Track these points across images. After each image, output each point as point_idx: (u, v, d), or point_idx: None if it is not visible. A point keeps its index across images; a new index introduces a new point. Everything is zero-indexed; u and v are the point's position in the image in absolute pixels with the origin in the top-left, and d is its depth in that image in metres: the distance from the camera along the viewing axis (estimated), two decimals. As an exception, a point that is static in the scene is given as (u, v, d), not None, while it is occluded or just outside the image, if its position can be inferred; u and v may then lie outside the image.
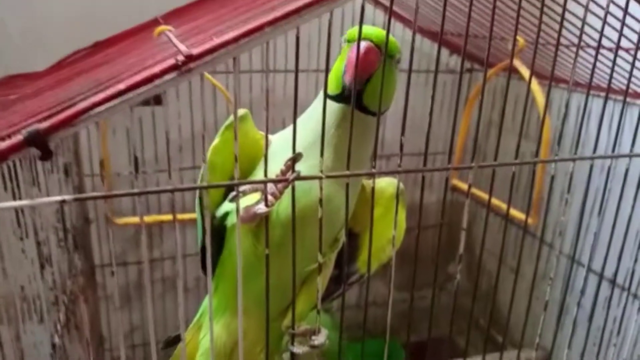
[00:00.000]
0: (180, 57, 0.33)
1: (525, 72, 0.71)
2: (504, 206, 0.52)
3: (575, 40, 0.51)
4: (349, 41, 0.50)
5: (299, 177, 0.41)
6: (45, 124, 0.31)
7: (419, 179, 1.23)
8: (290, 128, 0.47)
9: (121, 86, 0.32)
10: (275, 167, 0.44)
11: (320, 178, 0.39)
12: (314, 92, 1.00)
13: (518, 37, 0.73)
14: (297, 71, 0.38)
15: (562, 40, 0.65)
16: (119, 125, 0.91)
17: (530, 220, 0.72)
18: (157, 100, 1.00)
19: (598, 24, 0.49)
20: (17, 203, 0.32)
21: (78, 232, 0.80)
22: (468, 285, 1.37)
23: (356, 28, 0.47)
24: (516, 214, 0.73)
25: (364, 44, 0.46)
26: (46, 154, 0.31)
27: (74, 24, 0.89)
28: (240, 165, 0.41)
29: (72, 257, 0.72)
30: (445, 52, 1.12)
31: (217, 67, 0.36)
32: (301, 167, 0.42)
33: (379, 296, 1.35)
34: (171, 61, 0.33)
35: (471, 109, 0.89)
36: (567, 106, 0.48)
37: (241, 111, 0.55)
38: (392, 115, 0.60)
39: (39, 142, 0.31)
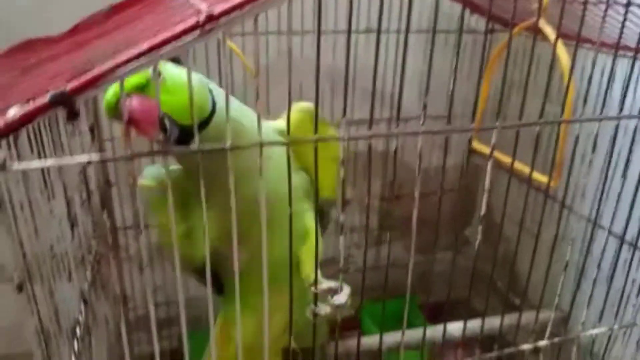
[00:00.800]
0: (202, 17, 0.33)
1: (550, 31, 0.69)
2: (524, 169, 0.51)
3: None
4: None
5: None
6: (71, 85, 0.31)
7: (438, 142, 1.22)
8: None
9: (144, 46, 0.32)
10: None
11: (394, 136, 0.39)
12: (331, 55, 0.99)
13: (543, -5, 0.71)
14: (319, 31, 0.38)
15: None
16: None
17: (552, 183, 0.71)
18: (175, 61, 1.00)
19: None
20: (45, 163, 0.33)
21: (101, 194, 0.82)
22: (485, 249, 1.37)
23: None
24: (538, 176, 0.72)
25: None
26: (72, 115, 0.32)
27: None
28: None
29: (96, 218, 0.73)
30: (463, 11, 1.10)
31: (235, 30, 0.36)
32: None
33: (396, 258, 1.36)
34: (192, 21, 0.33)
35: (492, 71, 0.88)
36: (593, 66, 0.47)
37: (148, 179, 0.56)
38: (409, 77, 0.60)
39: (66, 102, 0.31)
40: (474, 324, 0.93)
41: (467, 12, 1.11)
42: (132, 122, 0.40)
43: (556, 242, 0.56)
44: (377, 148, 1.18)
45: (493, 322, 0.72)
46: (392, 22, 1.02)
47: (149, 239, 1.09)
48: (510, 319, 0.75)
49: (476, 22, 1.12)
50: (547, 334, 0.57)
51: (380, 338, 0.59)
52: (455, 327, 0.91)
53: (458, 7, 1.08)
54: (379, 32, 0.48)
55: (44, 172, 0.46)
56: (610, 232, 0.77)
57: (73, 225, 0.51)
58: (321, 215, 0.58)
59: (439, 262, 1.40)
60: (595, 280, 0.59)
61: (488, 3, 0.65)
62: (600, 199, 0.59)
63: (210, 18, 0.32)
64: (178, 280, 0.40)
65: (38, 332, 0.38)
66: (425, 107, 0.41)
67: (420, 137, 0.42)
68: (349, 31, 0.43)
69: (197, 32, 0.33)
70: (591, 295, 0.58)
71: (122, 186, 0.99)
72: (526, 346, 0.56)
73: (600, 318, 0.63)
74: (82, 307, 0.61)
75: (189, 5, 0.42)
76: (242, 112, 0.57)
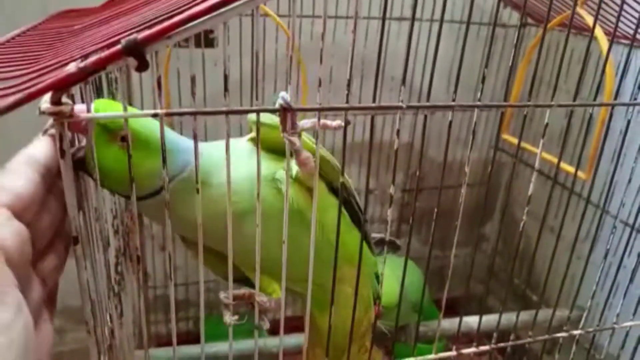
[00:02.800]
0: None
1: (591, 21, 0.68)
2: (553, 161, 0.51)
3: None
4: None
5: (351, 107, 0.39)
6: (142, 34, 0.31)
7: (462, 137, 1.22)
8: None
9: (208, 4, 0.31)
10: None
11: (399, 108, 0.39)
12: (362, 41, 0.99)
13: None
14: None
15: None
16: (171, 68, 0.92)
17: (583, 176, 0.71)
18: (209, 42, 1.00)
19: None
20: (115, 114, 0.32)
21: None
22: (502, 245, 1.37)
23: None
24: (567, 167, 0.71)
25: None
26: (143, 64, 0.32)
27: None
28: None
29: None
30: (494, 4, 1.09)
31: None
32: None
33: (413, 251, 1.36)
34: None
35: (525, 65, 0.87)
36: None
37: None
38: (439, 68, 0.59)
39: (137, 51, 0.31)
40: (489, 319, 0.93)
41: (501, 5, 1.11)
42: None
43: (576, 240, 0.55)
44: (401, 139, 1.18)
45: (509, 318, 0.71)
46: (426, 11, 1.01)
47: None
48: (525, 315, 0.75)
49: (509, 16, 1.11)
50: (581, 324, 0.57)
51: (396, 327, 0.58)
52: (471, 321, 0.91)
53: (489, 1, 1.08)
54: (413, 20, 0.47)
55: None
56: (633, 227, 0.76)
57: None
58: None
59: (456, 258, 1.39)
60: (614, 280, 0.58)
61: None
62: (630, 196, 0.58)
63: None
64: (201, 265, 0.40)
65: (89, 286, 0.38)
66: (457, 80, 0.40)
67: (451, 113, 0.40)
68: (384, 18, 0.43)
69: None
70: (627, 290, 0.57)
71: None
72: (560, 334, 0.55)
73: (617, 317, 0.62)
74: (116, 275, 0.61)
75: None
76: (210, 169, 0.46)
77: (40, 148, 0.36)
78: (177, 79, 0.92)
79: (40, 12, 0.78)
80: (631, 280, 0.57)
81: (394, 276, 0.76)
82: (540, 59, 0.45)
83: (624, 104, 0.46)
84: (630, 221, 0.65)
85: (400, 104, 0.38)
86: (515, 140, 0.85)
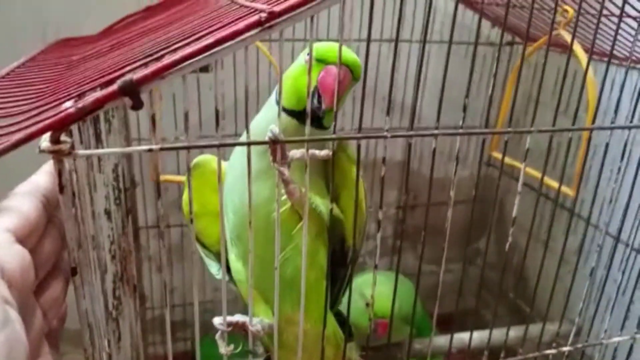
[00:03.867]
0: (264, 14, 0.34)
1: (570, 41, 0.70)
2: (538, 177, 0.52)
3: (616, 11, 0.51)
4: (319, 60, 0.48)
5: (361, 137, 0.41)
6: (138, 75, 0.33)
7: (454, 154, 1.23)
8: (236, 155, 0.50)
9: (210, 40, 0.33)
10: (236, 197, 0.45)
11: (385, 137, 0.40)
12: (362, 62, 1.01)
13: (567, 7, 0.73)
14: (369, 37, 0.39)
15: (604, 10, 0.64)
16: (164, 92, 0.93)
17: (570, 192, 0.72)
18: (204, 67, 1.02)
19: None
20: (110, 150, 0.34)
21: (128, 193, 0.83)
22: (497, 260, 1.38)
23: (326, 47, 0.47)
24: (552, 183, 0.73)
25: (340, 71, 0.45)
26: (137, 104, 0.33)
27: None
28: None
29: (124, 215, 0.74)
30: (486, 24, 1.12)
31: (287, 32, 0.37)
32: (257, 189, 0.43)
33: (407, 268, 1.37)
34: (255, 18, 0.34)
35: (513, 83, 0.89)
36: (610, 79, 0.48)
37: (196, 160, 0.56)
38: (430, 88, 0.61)
39: (132, 91, 0.33)
40: (482, 335, 0.94)
41: (489, 24, 1.13)
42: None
43: (563, 252, 0.57)
44: (395, 157, 1.20)
45: (502, 333, 0.72)
46: (416, 32, 1.04)
47: (170, 239, 1.11)
48: (518, 330, 0.76)
49: (497, 35, 1.14)
50: (569, 341, 0.58)
51: (388, 342, 0.59)
52: (462, 337, 0.92)
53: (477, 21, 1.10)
54: (397, 40, 0.49)
55: (88, 163, 0.47)
56: (628, 245, 0.78)
57: (127, 213, 0.53)
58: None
59: (450, 273, 1.40)
60: (616, 297, 0.59)
61: (504, 15, 0.66)
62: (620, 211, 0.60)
63: (273, 15, 0.34)
64: (195, 281, 0.42)
65: (88, 314, 0.39)
66: (440, 104, 0.42)
67: (435, 140, 0.42)
68: (369, 39, 0.44)
69: (257, 29, 0.34)
70: (614, 305, 0.58)
71: (145, 186, 1.01)
72: (549, 351, 0.56)
73: (622, 327, 0.63)
74: (113, 300, 0.62)
75: (240, 5, 0.43)
76: None
77: (42, 179, 0.38)
78: (172, 103, 0.94)
79: (40, 40, 0.80)
80: (617, 294, 0.58)
81: (387, 291, 0.78)
82: (528, 77, 0.46)
83: (602, 128, 0.48)
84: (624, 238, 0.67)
85: (385, 133, 0.39)
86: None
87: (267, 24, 0.34)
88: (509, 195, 1.27)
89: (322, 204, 0.47)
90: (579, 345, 0.56)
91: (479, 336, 0.89)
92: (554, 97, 1.01)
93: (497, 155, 0.89)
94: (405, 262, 1.32)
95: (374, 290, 0.51)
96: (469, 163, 1.25)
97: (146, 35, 0.57)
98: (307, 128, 0.37)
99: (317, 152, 0.43)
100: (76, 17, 0.94)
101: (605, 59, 0.76)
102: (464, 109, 0.42)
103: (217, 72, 0.38)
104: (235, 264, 0.52)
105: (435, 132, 0.41)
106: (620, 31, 0.65)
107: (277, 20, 0.34)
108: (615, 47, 0.74)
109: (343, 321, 0.58)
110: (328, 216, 0.46)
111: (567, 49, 0.73)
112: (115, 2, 0.85)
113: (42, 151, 0.33)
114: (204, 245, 0.58)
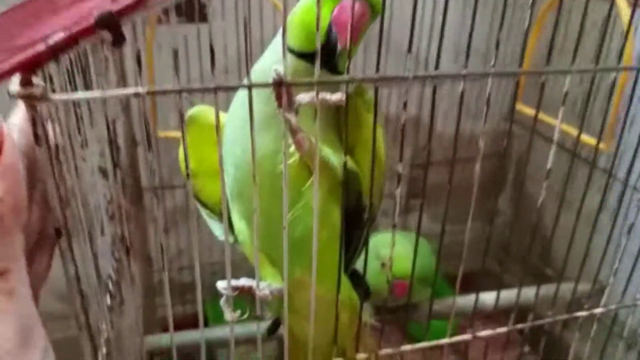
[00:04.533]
0: None
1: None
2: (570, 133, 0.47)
3: None
4: None
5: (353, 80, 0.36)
6: (117, 5, 0.28)
7: (471, 108, 1.17)
8: (237, 103, 0.45)
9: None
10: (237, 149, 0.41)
11: (406, 79, 0.35)
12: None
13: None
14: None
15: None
16: (164, 44, 0.88)
17: (603, 146, 0.67)
18: (203, 17, 0.96)
19: None
20: (91, 94, 0.29)
21: (128, 151, 0.79)
22: (516, 219, 1.34)
23: None
24: (587, 139, 0.68)
25: (358, 5, 0.40)
26: (119, 39, 0.28)
27: None
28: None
29: (124, 174, 0.71)
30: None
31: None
32: (261, 139, 0.39)
33: (423, 227, 1.33)
34: None
35: (538, 31, 0.83)
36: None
37: (192, 111, 0.51)
38: (446, 39, 0.55)
39: (112, 24, 0.28)
40: (507, 294, 0.91)
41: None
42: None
43: (598, 214, 0.52)
44: (409, 113, 1.14)
45: (527, 294, 0.68)
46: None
47: (175, 200, 1.07)
48: (544, 290, 0.72)
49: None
50: (603, 301, 0.54)
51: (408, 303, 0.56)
52: (486, 298, 0.88)
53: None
54: None
55: (76, 113, 0.43)
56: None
57: (116, 169, 0.49)
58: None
59: (469, 233, 1.36)
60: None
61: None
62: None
63: None
64: (195, 244, 0.38)
65: (74, 281, 0.35)
66: (469, 48, 0.37)
67: (490, 79, 0.37)
68: None
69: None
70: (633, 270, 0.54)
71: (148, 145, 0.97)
72: (580, 313, 0.53)
73: None
74: (114, 263, 0.58)
75: None
76: None
77: (20, 131, 0.33)
78: (171, 57, 0.89)
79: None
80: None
81: (404, 252, 0.74)
82: (551, 23, 0.41)
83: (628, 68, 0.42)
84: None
85: (406, 74, 0.34)
86: (529, 111, 0.81)
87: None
88: (530, 149, 1.22)
89: (334, 156, 0.43)
90: (612, 307, 0.53)
91: (502, 297, 0.86)
92: (583, 45, 0.95)
93: (522, 107, 0.84)
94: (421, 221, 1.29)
95: (392, 250, 0.47)
96: (489, 117, 1.19)
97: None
98: (317, 68, 0.32)
99: (328, 95, 0.38)
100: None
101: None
102: (497, 46, 0.37)
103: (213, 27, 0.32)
104: (238, 224, 0.48)
105: (464, 72, 0.35)
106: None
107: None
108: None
109: (358, 281, 0.54)
110: (342, 170, 0.42)
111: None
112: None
113: (12, 96, 0.28)
114: (205, 206, 0.54)
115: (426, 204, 1.27)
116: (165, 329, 1.03)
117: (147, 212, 1.03)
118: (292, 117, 0.35)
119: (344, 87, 0.39)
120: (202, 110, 0.50)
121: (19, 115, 0.32)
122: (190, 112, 0.51)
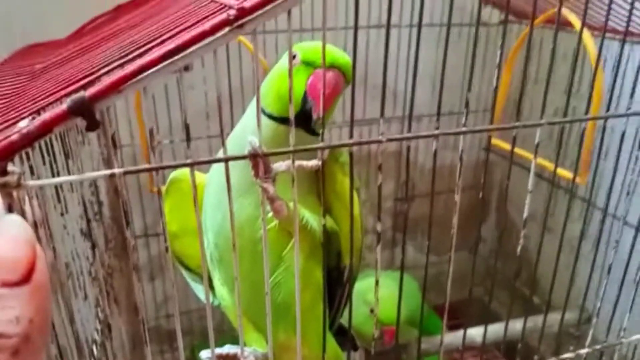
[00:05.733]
0: (232, 12, 0.29)
1: (576, 21, 0.66)
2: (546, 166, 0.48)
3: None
4: (307, 63, 0.44)
5: (329, 146, 0.36)
6: (90, 91, 0.28)
7: (450, 141, 1.19)
8: (216, 168, 0.45)
9: (171, 46, 0.29)
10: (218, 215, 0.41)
11: (379, 142, 0.36)
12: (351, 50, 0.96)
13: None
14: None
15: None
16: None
17: (579, 180, 0.68)
18: (184, 66, 0.97)
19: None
20: (66, 178, 0.30)
21: (111, 205, 0.79)
22: (501, 248, 1.34)
23: (315, 48, 0.43)
24: (564, 173, 0.69)
25: (332, 75, 0.42)
26: (92, 124, 0.29)
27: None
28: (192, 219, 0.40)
29: (107, 230, 0.70)
30: (476, 3, 1.07)
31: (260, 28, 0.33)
32: (240, 205, 0.39)
33: (407, 260, 1.33)
34: (222, 16, 0.30)
35: (511, 64, 0.85)
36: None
37: (174, 174, 0.52)
38: (422, 73, 0.56)
39: (85, 110, 0.28)
40: (495, 328, 0.91)
41: (479, 4, 1.08)
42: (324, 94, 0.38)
43: (561, 235, 0.53)
44: (389, 149, 1.15)
45: (515, 326, 0.68)
46: (404, 16, 0.99)
47: (159, 247, 1.06)
48: (532, 322, 0.72)
49: (489, 15, 1.09)
50: (587, 341, 0.54)
51: (397, 344, 0.56)
52: (475, 333, 0.88)
53: (469, 1, 1.05)
54: (388, 26, 0.44)
55: (57, 187, 0.43)
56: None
57: (94, 246, 0.48)
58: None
59: (454, 263, 1.37)
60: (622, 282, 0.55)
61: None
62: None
63: (242, 12, 0.29)
64: (175, 288, 0.37)
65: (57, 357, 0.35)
66: (439, 107, 0.38)
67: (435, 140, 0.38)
68: (356, 26, 0.40)
69: (226, 29, 0.30)
70: (634, 299, 0.54)
71: (131, 195, 0.96)
72: (567, 355, 0.53)
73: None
74: (98, 325, 0.58)
75: (210, 1, 0.39)
76: None
77: None
78: (152, 105, 0.89)
79: (6, 45, 0.75)
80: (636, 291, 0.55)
81: (391, 295, 0.74)
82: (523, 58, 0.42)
83: (617, 116, 0.44)
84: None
85: (380, 137, 0.35)
86: (505, 145, 0.83)
87: (237, 23, 0.30)
88: (511, 180, 1.23)
89: (313, 219, 0.43)
90: (598, 347, 0.53)
91: (490, 330, 0.86)
92: (553, 79, 0.97)
93: (498, 142, 0.85)
94: (406, 254, 1.29)
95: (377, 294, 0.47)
96: (466, 148, 1.21)
97: (113, 38, 0.53)
98: (292, 138, 0.33)
99: (304, 163, 0.38)
100: (44, 19, 0.88)
101: (617, 35, 0.71)
102: (466, 105, 0.38)
103: (183, 88, 0.33)
104: (220, 289, 0.48)
105: (436, 132, 0.36)
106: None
107: (248, 17, 0.30)
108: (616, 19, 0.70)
109: (345, 332, 0.54)
110: (321, 232, 0.42)
111: (563, 26, 0.68)
112: (86, 3, 0.79)
113: (-14, 185, 0.28)
114: (188, 269, 0.54)
115: (412, 236, 1.28)
116: (155, 380, 1.01)
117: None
118: (269, 186, 0.35)
119: (319, 154, 0.40)
120: (184, 173, 0.51)
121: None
122: (172, 175, 0.51)
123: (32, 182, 0.29)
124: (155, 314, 1.06)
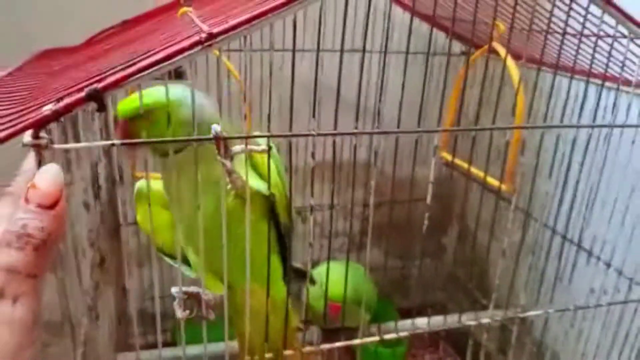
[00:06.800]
0: (203, 35, 0.42)
1: (503, 52, 0.79)
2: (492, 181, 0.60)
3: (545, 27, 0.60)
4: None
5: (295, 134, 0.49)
6: (101, 84, 0.41)
7: (416, 155, 1.30)
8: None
9: (159, 56, 0.41)
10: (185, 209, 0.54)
11: (312, 135, 0.49)
12: (313, 70, 1.10)
13: (498, 22, 0.82)
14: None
15: (534, 26, 0.74)
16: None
17: (504, 187, 0.81)
18: (179, 75, 1.10)
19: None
20: (81, 144, 0.42)
21: (108, 191, 0.90)
22: (460, 255, 1.47)
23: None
24: (492, 181, 0.81)
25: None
26: (102, 108, 0.41)
27: (101, 3, 0.99)
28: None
29: (103, 208, 0.82)
30: (443, 35, 1.21)
31: (232, 46, 0.45)
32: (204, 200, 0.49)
33: (373, 262, 1.45)
34: (196, 38, 0.42)
35: (458, 89, 0.98)
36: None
37: (138, 186, 0.63)
38: (389, 94, 0.69)
39: (97, 98, 0.41)
40: (439, 319, 1.03)
41: (444, 35, 1.22)
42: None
43: (489, 242, 0.65)
44: (360, 157, 1.28)
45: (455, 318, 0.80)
46: (375, 42, 1.13)
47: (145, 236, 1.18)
48: (471, 315, 0.85)
49: (453, 45, 1.23)
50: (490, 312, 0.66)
51: (342, 325, 0.67)
52: (422, 322, 1.00)
53: (438, 31, 1.19)
54: (364, 51, 0.58)
55: (67, 158, 0.55)
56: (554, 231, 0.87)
57: (101, 205, 0.60)
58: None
59: (415, 268, 1.49)
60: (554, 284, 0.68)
61: (451, 26, 0.75)
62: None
63: (211, 36, 0.42)
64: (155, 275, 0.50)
65: (65, 285, 0.46)
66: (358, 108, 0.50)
67: (374, 136, 0.51)
68: (342, 50, 0.53)
69: (199, 47, 0.42)
70: (527, 283, 0.67)
71: (126, 184, 1.08)
72: (470, 322, 0.65)
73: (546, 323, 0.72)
74: (93, 284, 0.69)
75: (194, 24, 0.52)
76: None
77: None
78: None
79: (26, 50, 0.88)
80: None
81: (339, 278, 0.85)
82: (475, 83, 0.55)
83: (519, 127, 0.57)
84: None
85: (312, 132, 0.48)
86: (463, 164, 0.95)
87: (207, 43, 0.42)
88: (469, 194, 1.36)
89: (261, 185, 0.55)
90: (497, 317, 0.65)
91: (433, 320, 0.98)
92: (504, 104, 1.11)
93: (446, 155, 0.98)
94: (373, 257, 1.40)
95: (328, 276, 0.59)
96: (429, 164, 1.34)
97: (118, 48, 0.66)
98: (244, 127, 0.46)
99: (255, 147, 0.51)
100: (57, 31, 1.01)
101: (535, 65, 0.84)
102: (420, 106, 0.51)
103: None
104: (194, 259, 0.60)
105: (355, 131, 0.49)
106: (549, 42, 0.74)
107: (215, 40, 0.43)
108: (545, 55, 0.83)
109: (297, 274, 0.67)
110: (268, 193, 0.54)
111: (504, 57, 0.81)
112: (95, 16, 0.92)
113: (25, 145, 0.41)
114: (170, 256, 0.65)
115: (377, 240, 1.40)
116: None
117: (124, 246, 1.13)
118: (227, 162, 0.48)
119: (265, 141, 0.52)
120: (145, 183, 0.60)
121: (29, 162, 0.45)
122: (136, 187, 0.62)
123: (57, 145, 0.41)
124: (141, 296, 1.17)
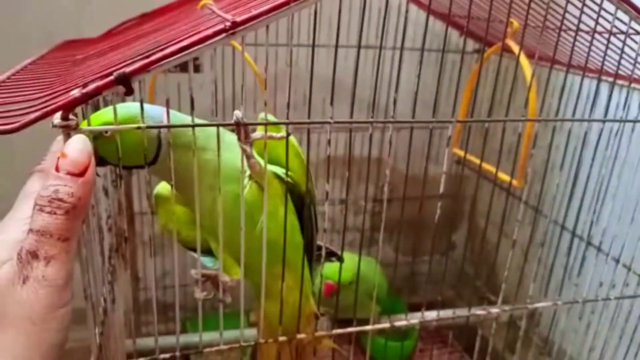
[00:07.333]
0: (228, 23, 0.44)
1: (516, 50, 0.80)
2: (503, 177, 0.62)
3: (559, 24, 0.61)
4: None
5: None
6: (129, 69, 0.42)
7: (431, 153, 1.31)
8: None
9: (184, 43, 0.43)
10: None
11: (329, 123, 0.50)
12: (326, 65, 1.11)
13: (512, 20, 0.83)
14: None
15: (547, 23, 0.75)
16: (159, 91, 1.03)
17: (515, 183, 0.82)
18: (196, 68, 1.12)
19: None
20: (107, 127, 0.44)
21: (125, 179, 0.93)
22: (469, 252, 1.48)
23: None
24: (504, 177, 0.82)
25: None
26: (129, 91, 0.43)
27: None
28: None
29: (120, 196, 0.84)
30: (456, 33, 1.22)
31: (249, 40, 0.47)
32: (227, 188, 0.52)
33: (385, 258, 1.46)
34: (220, 26, 0.44)
35: (471, 86, 0.99)
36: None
37: (156, 190, 0.64)
38: (403, 91, 0.71)
39: (125, 81, 0.42)
40: (448, 312, 1.04)
41: (458, 34, 1.23)
42: None
43: (498, 236, 0.66)
44: (371, 154, 1.29)
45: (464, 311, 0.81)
46: (389, 40, 1.14)
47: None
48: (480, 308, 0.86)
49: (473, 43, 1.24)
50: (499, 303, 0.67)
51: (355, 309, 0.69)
52: (431, 315, 1.01)
53: (451, 29, 1.20)
54: (380, 48, 0.59)
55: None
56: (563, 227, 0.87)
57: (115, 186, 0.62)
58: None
59: (426, 264, 1.50)
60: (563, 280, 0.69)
61: (466, 24, 0.76)
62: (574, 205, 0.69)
63: (235, 24, 0.44)
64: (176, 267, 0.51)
65: (87, 260, 0.48)
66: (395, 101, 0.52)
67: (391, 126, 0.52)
68: (359, 47, 0.54)
69: (223, 35, 0.44)
70: (536, 275, 0.68)
71: (141, 173, 1.10)
72: (479, 312, 0.66)
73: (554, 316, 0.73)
74: (109, 266, 0.71)
75: (216, 15, 0.53)
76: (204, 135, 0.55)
77: None
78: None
79: (47, 41, 0.90)
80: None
81: (347, 263, 0.86)
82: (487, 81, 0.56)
83: (533, 120, 0.58)
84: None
85: (328, 119, 0.49)
86: (474, 159, 0.96)
87: (231, 31, 0.44)
88: (481, 190, 1.37)
89: (278, 169, 0.56)
90: (506, 308, 0.66)
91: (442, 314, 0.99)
92: (514, 101, 1.12)
93: (458, 151, 0.99)
94: (383, 253, 1.42)
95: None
96: (441, 161, 1.35)
97: (139, 39, 0.67)
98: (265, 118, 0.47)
99: (274, 134, 0.52)
100: (76, 25, 1.04)
101: (547, 63, 0.85)
102: (436, 97, 0.53)
103: (204, 77, 0.47)
104: (215, 247, 0.61)
105: (371, 120, 0.50)
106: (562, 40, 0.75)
107: (239, 28, 0.44)
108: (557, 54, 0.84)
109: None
110: (287, 176, 0.55)
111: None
112: (115, 9, 0.94)
113: (54, 126, 0.42)
114: (194, 250, 0.67)
115: (389, 236, 1.41)
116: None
117: (137, 236, 1.16)
118: (247, 148, 0.49)
119: (284, 128, 0.53)
120: (165, 188, 0.64)
121: (58, 143, 0.46)
122: (156, 191, 0.64)
123: (85, 127, 0.43)
124: (155, 286, 1.20)
